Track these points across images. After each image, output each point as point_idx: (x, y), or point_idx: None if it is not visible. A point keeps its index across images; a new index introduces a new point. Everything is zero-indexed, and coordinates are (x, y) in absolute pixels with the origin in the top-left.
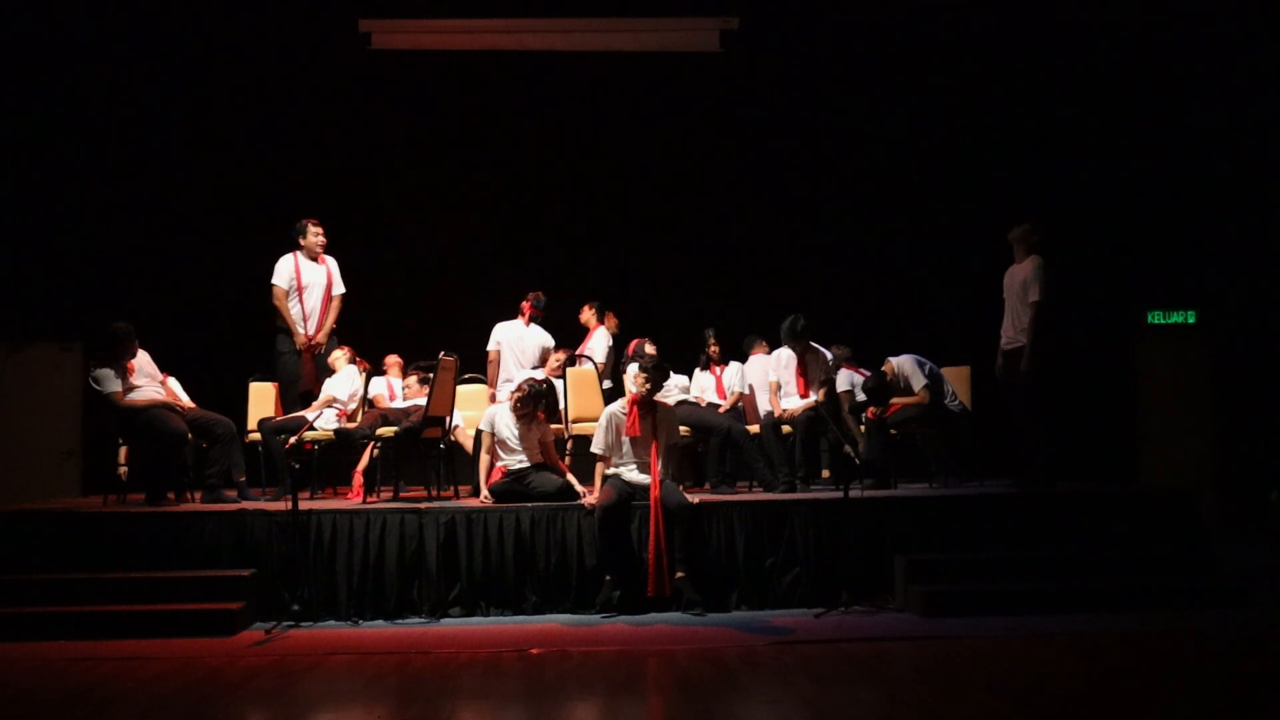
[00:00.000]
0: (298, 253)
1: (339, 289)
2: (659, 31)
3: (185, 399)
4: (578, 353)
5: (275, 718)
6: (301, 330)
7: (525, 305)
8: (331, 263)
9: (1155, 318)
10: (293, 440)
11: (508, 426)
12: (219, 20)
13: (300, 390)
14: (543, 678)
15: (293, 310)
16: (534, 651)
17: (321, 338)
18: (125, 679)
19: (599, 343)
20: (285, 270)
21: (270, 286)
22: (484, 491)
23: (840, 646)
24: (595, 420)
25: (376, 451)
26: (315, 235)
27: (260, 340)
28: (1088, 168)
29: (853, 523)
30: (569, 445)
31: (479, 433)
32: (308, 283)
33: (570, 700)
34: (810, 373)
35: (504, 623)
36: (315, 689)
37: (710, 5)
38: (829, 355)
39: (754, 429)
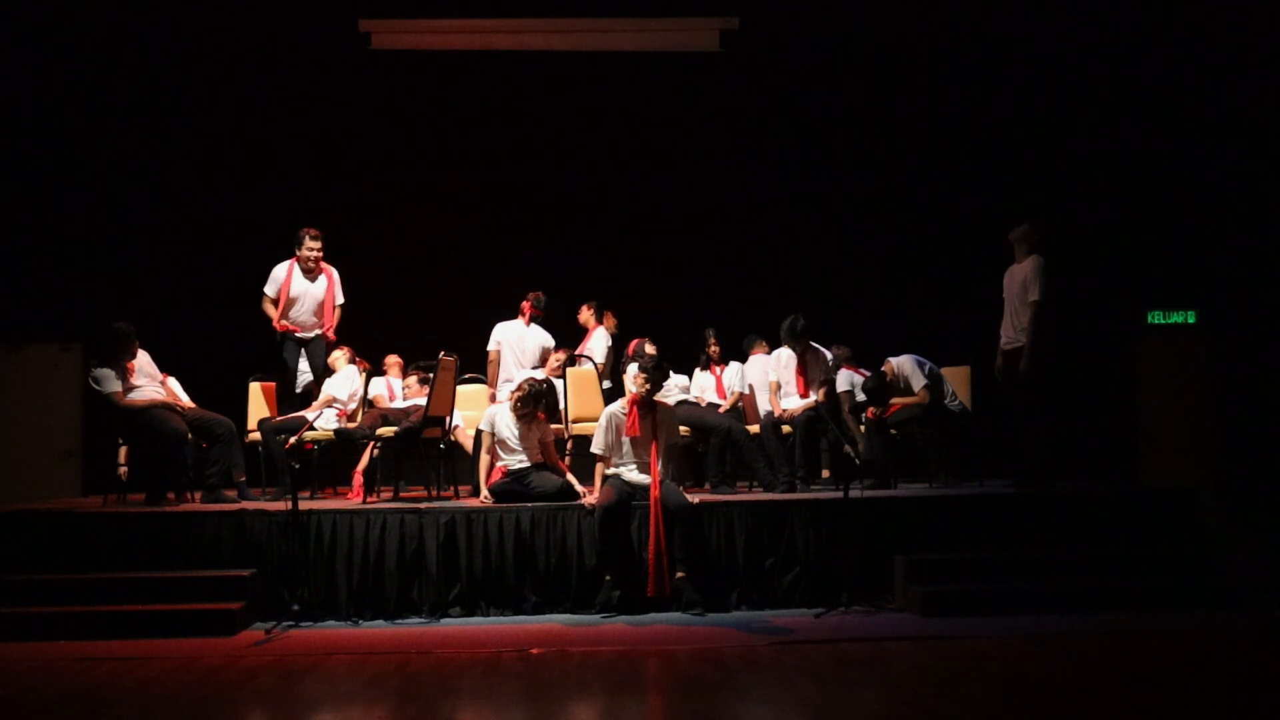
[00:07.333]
0: (294, 263)
1: (339, 299)
2: (659, 31)
3: (185, 399)
4: (577, 353)
5: (275, 718)
6: (277, 325)
7: (525, 305)
8: (333, 274)
9: (1155, 318)
10: (293, 440)
11: (508, 426)
12: (219, 20)
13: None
14: (543, 678)
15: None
16: (534, 651)
17: (308, 335)
18: (125, 679)
19: (598, 343)
20: (276, 280)
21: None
22: (484, 491)
23: (840, 646)
24: (595, 420)
25: (376, 451)
26: (309, 250)
27: (261, 340)
28: (1088, 168)
29: (853, 523)
30: (569, 445)
31: (479, 433)
32: (296, 294)
33: (570, 700)
34: (810, 373)
35: (504, 623)
36: (315, 689)
37: (710, 5)
38: (829, 355)
39: (754, 429)
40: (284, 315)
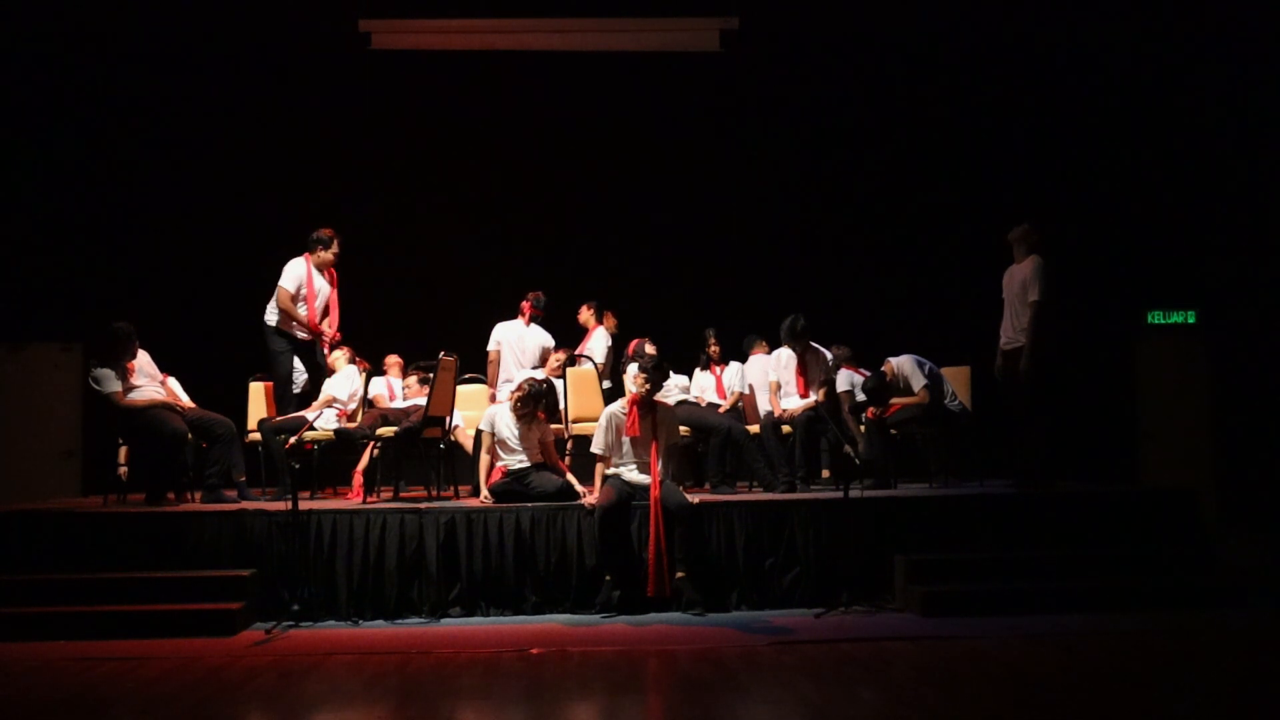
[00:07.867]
0: (310, 259)
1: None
2: (659, 31)
3: (185, 399)
4: (577, 353)
5: (275, 718)
6: (303, 334)
7: (525, 305)
8: (334, 274)
9: (1155, 318)
10: (293, 440)
11: (508, 426)
12: (219, 21)
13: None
14: (543, 678)
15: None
16: (534, 651)
17: (329, 334)
18: (125, 679)
19: (598, 343)
20: (296, 274)
21: (277, 287)
22: (484, 491)
23: (840, 646)
24: (595, 420)
25: (376, 451)
26: (334, 253)
27: (261, 340)
28: (1088, 168)
29: (853, 523)
30: (569, 445)
31: (479, 433)
32: (317, 292)
33: (570, 700)
34: (810, 373)
35: (504, 623)
36: (315, 689)
37: (710, 5)
38: (829, 355)
39: (754, 429)
40: (302, 308)
